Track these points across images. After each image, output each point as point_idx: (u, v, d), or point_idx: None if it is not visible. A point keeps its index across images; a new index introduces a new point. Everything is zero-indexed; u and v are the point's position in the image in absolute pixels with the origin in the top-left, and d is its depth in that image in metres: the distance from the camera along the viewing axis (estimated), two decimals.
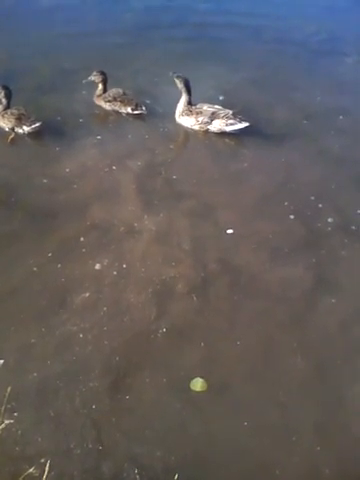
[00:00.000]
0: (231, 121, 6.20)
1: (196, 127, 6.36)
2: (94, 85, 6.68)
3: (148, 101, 6.78)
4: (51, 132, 6.14)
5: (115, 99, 6.62)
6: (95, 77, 6.64)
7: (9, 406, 3.43)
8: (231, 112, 6.21)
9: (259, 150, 6.09)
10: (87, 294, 4.28)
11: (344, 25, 8.99)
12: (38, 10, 8.92)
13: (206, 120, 6.27)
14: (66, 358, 3.80)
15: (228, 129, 6.24)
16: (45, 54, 7.56)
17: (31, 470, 3.07)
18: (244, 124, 6.17)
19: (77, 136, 6.14)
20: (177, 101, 6.41)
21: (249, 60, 7.81)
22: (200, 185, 5.53)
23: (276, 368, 3.83)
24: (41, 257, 4.56)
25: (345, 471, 3.31)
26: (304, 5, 9.63)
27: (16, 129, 6.09)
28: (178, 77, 6.33)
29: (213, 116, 6.26)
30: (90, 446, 3.33)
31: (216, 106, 6.37)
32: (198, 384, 3.68)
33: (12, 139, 6.05)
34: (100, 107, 6.70)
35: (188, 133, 6.40)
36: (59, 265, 4.51)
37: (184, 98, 6.37)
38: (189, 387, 3.66)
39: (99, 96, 6.71)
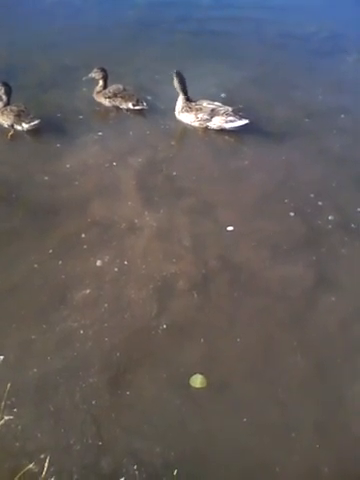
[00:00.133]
0: (231, 118, 6.18)
1: (196, 124, 6.34)
2: (94, 82, 6.67)
3: (149, 98, 6.77)
4: (52, 129, 6.13)
5: (115, 95, 6.61)
6: (95, 74, 6.63)
7: (9, 402, 3.43)
8: (231, 109, 6.19)
9: (260, 148, 6.08)
10: (88, 290, 4.28)
11: (345, 23, 8.98)
12: (39, 6, 8.93)
13: (206, 117, 6.25)
14: (66, 354, 3.80)
15: (227, 126, 6.21)
16: (45, 50, 7.55)
17: (31, 466, 3.08)
18: (244, 121, 6.14)
19: (78, 133, 6.14)
20: (178, 98, 6.40)
21: (251, 58, 7.82)
22: (201, 182, 5.53)
23: (276, 366, 3.83)
24: (42, 254, 4.56)
25: (345, 470, 3.31)
26: (306, 3, 9.62)
27: (15, 126, 6.08)
28: (174, 74, 6.28)
29: (213, 113, 6.23)
30: (90, 442, 3.34)
31: (216, 103, 6.34)
32: (197, 380, 3.68)
33: (12, 136, 6.05)
34: (100, 104, 6.69)
35: (189, 130, 6.39)
36: (60, 262, 4.51)
37: (181, 95, 6.36)
38: (189, 383, 3.67)
39: (99, 92, 6.69)
